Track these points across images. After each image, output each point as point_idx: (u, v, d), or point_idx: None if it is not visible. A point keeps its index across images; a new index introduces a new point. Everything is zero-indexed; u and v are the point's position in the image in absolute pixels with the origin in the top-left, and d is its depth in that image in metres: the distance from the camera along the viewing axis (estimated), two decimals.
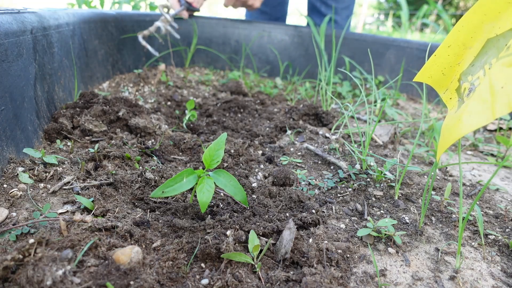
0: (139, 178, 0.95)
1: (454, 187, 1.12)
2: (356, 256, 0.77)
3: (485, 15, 0.67)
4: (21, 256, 0.60)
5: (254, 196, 0.95)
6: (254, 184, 1.03)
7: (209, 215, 0.83)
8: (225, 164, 1.13)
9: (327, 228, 0.85)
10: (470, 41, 0.71)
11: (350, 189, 1.02)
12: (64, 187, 0.90)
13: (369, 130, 1.14)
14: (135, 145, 1.15)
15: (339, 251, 0.77)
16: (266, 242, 0.76)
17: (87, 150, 1.08)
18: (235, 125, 1.48)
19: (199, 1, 2.15)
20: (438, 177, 1.18)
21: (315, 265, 0.71)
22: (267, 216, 0.85)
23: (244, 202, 0.82)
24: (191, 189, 0.94)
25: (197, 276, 0.67)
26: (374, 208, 0.96)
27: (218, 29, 2.38)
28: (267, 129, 1.46)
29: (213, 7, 11.07)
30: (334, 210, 0.94)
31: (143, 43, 1.85)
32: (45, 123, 1.14)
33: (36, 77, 1.09)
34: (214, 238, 0.72)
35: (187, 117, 1.47)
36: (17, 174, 0.89)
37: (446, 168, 1.27)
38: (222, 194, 0.97)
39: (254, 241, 0.71)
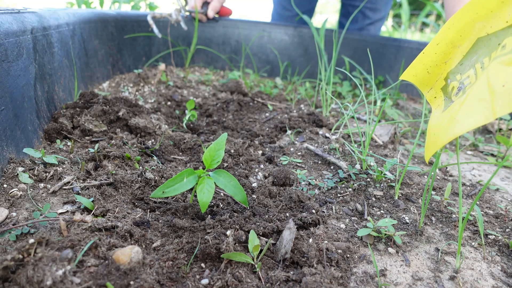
0: (139, 178, 0.95)
1: (454, 187, 1.12)
2: (356, 256, 0.77)
3: (477, 14, 0.67)
4: (21, 256, 0.60)
5: (254, 196, 0.95)
6: (254, 184, 1.03)
7: (209, 215, 0.83)
8: (225, 164, 1.13)
9: (327, 228, 0.85)
10: (459, 40, 0.71)
11: (350, 189, 1.02)
12: (64, 187, 0.90)
13: (369, 130, 1.14)
14: (135, 145, 1.15)
15: (339, 251, 0.77)
16: (266, 242, 0.76)
17: (87, 150, 1.08)
18: (235, 125, 1.48)
19: (211, 13, 2.18)
20: (438, 177, 1.18)
21: (315, 265, 0.71)
22: (267, 216, 0.85)
23: (244, 203, 0.82)
24: (191, 189, 0.94)
25: (197, 276, 0.67)
26: (374, 208, 0.96)
27: (218, 29, 2.38)
28: (267, 129, 1.46)
29: None
30: (334, 210, 0.94)
31: (151, 22, 1.98)
32: (45, 123, 1.14)
33: (36, 77, 1.09)
34: (214, 238, 0.72)
35: (187, 117, 1.47)
36: (17, 174, 0.89)
37: (446, 168, 1.27)
38: (222, 194, 0.97)
39: (254, 241, 0.71)
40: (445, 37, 0.72)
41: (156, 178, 0.96)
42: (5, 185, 0.86)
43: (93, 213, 0.80)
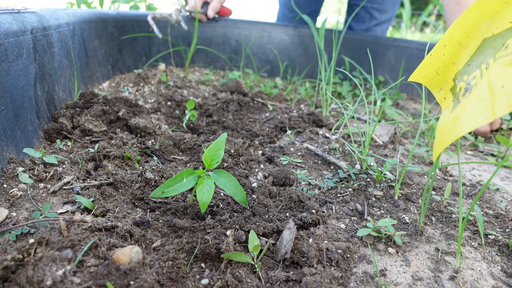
0: (139, 178, 0.95)
1: (454, 187, 1.12)
2: (356, 256, 0.77)
3: (482, 15, 0.67)
4: (21, 256, 0.60)
5: (254, 196, 0.95)
6: (254, 184, 1.03)
7: (209, 215, 0.83)
8: (225, 164, 1.13)
9: (327, 228, 0.85)
10: (466, 41, 0.71)
11: (350, 189, 1.02)
12: (64, 187, 0.90)
13: (369, 130, 1.14)
14: (135, 145, 1.15)
15: (339, 251, 0.77)
16: (266, 242, 0.76)
17: (87, 150, 1.08)
18: (235, 125, 1.48)
19: (211, 13, 2.18)
20: (438, 177, 1.18)
21: (315, 265, 0.71)
22: (267, 216, 0.85)
23: (244, 203, 0.82)
24: (191, 189, 0.94)
25: (197, 276, 0.67)
26: (374, 208, 0.96)
27: (218, 29, 2.38)
28: (267, 129, 1.46)
29: None
30: (334, 210, 0.94)
31: (151, 22, 1.98)
32: (45, 123, 1.14)
33: (36, 77, 1.09)
34: (214, 238, 0.72)
35: (187, 117, 1.47)
36: (17, 174, 0.89)
37: (446, 168, 1.27)
38: (222, 194, 0.97)
39: (254, 241, 0.71)
40: (452, 38, 0.72)
41: (156, 178, 0.96)
42: (5, 185, 0.86)
43: (93, 213, 0.80)
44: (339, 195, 1.00)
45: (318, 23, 2.90)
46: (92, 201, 0.84)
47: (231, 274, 0.67)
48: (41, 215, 0.77)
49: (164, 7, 4.88)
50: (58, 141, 1.09)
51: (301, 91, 2.02)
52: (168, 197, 0.93)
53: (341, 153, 1.23)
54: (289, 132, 1.42)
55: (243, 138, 1.37)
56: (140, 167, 1.06)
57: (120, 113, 1.26)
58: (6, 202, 0.81)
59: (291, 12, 2.72)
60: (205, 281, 0.65)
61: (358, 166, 1.11)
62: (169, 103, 1.67)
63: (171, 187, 0.79)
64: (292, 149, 1.29)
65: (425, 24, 6.71)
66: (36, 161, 0.96)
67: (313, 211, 0.90)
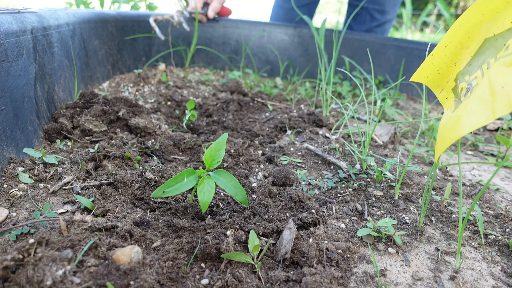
0: (139, 178, 0.95)
1: (454, 187, 1.12)
2: (356, 256, 0.77)
3: (483, 15, 0.67)
4: (21, 256, 0.60)
5: (254, 196, 0.95)
6: (254, 184, 1.03)
7: (209, 215, 0.83)
8: (225, 164, 1.13)
9: (327, 228, 0.85)
10: (467, 41, 0.71)
11: (350, 189, 1.02)
12: (64, 187, 0.90)
13: (369, 130, 1.14)
14: (135, 145, 1.15)
15: (339, 251, 0.77)
16: (266, 242, 0.76)
17: (87, 150, 1.08)
18: (235, 125, 1.48)
19: (211, 14, 2.19)
20: (438, 177, 1.18)
21: (315, 265, 0.71)
22: (267, 216, 0.85)
23: (244, 202, 0.82)
24: (191, 189, 0.94)
25: (197, 276, 0.67)
26: (374, 208, 0.96)
27: (218, 29, 2.38)
28: (267, 129, 1.46)
29: None
30: (334, 210, 0.94)
31: (153, 24, 2.01)
32: (45, 123, 1.14)
33: (36, 77, 1.09)
34: (214, 238, 0.72)
35: (187, 117, 1.47)
36: (17, 174, 0.89)
37: (446, 168, 1.27)
38: (222, 194, 0.97)
39: (254, 241, 0.71)
40: (454, 39, 0.72)
41: (156, 178, 0.96)
42: (5, 185, 0.86)
43: (93, 213, 0.80)
44: (339, 195, 1.00)
45: (316, 20, 2.88)
46: (92, 201, 0.84)
47: (231, 274, 0.67)
48: (41, 215, 0.77)
49: (164, 6, 4.88)
50: (58, 141, 1.09)
51: (301, 91, 2.02)
52: (168, 197, 0.93)
53: (341, 153, 1.23)
54: (289, 132, 1.42)
55: (243, 138, 1.37)
56: (140, 167, 1.06)
57: (120, 113, 1.26)
58: (6, 202, 0.81)
59: (286, 3, 2.68)
60: (205, 281, 0.65)
61: (358, 166, 1.11)
62: (169, 103, 1.67)
63: (172, 187, 0.79)
64: (292, 149, 1.29)
65: (425, 24, 6.71)
66: (36, 161, 0.96)
67: (313, 211, 0.90)
